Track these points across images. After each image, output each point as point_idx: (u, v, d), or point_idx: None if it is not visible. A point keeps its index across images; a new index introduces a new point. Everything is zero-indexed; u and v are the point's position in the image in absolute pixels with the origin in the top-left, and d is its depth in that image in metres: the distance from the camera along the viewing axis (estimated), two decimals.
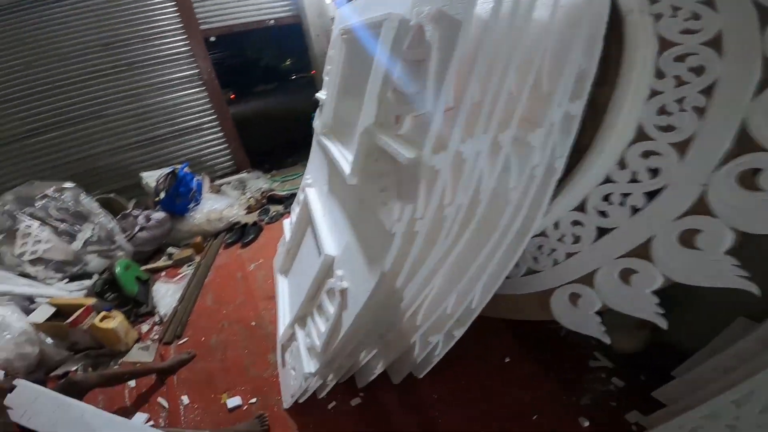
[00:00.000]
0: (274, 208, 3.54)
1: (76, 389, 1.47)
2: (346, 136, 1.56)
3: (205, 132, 4.16)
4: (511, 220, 1.15)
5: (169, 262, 2.92)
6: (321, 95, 1.93)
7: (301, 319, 1.67)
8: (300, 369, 1.53)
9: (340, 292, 1.28)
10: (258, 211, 3.54)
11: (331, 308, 1.36)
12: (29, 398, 1.28)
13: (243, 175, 4.20)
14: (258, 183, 4.06)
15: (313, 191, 1.90)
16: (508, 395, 1.52)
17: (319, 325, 1.44)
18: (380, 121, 1.14)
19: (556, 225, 1.26)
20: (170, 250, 3.08)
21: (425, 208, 0.95)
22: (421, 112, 0.89)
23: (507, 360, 1.65)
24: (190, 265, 2.88)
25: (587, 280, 1.19)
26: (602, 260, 1.15)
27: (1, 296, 2.00)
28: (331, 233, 1.50)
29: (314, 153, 2.11)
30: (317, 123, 1.96)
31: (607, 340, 1.17)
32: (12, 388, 1.30)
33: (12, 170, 3.53)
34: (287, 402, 1.64)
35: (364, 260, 1.18)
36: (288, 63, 7.93)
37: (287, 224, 2.31)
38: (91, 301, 2.10)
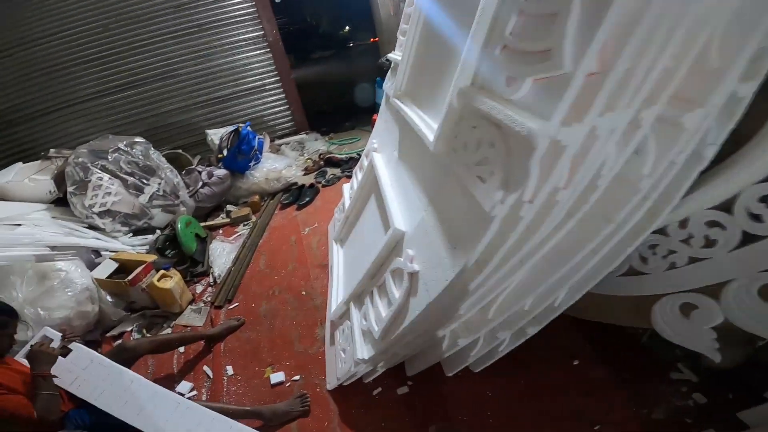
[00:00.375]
0: (332, 171, 3.37)
1: (127, 355, 1.46)
2: (425, 100, 1.35)
3: (268, 93, 4.14)
4: (632, 212, 0.93)
5: (227, 220, 2.91)
6: (394, 55, 1.73)
7: (357, 297, 1.49)
8: (351, 352, 1.41)
9: (410, 275, 1.11)
10: (315, 173, 3.40)
11: (396, 291, 1.19)
12: (82, 364, 1.29)
13: (302, 136, 4.08)
14: (316, 145, 3.92)
15: (380, 157, 1.70)
16: (570, 400, 1.35)
17: (380, 309, 1.28)
18: (481, 83, 0.91)
19: (683, 223, 1.05)
20: (229, 207, 3.07)
21: (537, 190, 0.75)
22: (554, 74, 0.68)
23: (575, 362, 1.45)
24: (246, 225, 2.84)
25: (712, 291, 1.03)
26: (741, 272, 0.97)
27: (68, 250, 2.06)
28: (401, 205, 1.32)
29: (383, 116, 1.91)
30: (388, 85, 1.77)
31: (717, 358, 1.07)
32: (67, 353, 1.30)
33: (90, 125, 3.79)
34: (331, 384, 1.55)
35: (443, 243, 1.00)
36: (346, 30, 7.88)
37: (347, 189, 2.10)
38: (152, 258, 2.09)
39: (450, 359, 1.43)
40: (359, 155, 3.47)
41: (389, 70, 1.78)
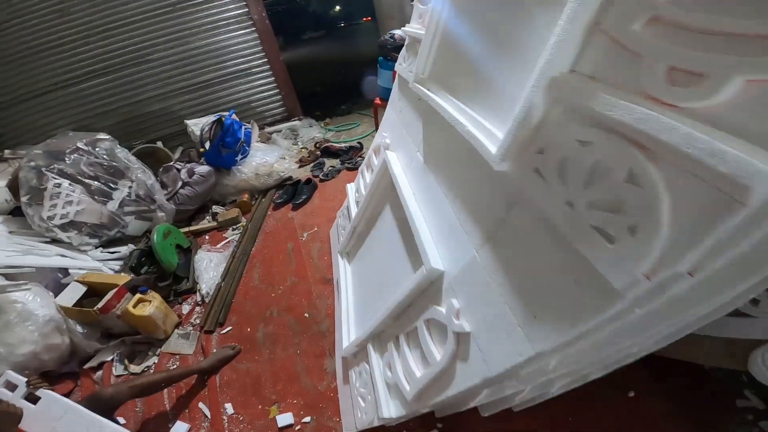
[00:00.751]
0: (330, 163, 3.03)
1: (105, 406, 1.25)
2: (465, 88, 0.97)
3: (255, 76, 3.74)
4: None
5: (213, 224, 2.57)
6: (411, 29, 1.36)
7: (376, 337, 1.20)
8: (374, 403, 1.14)
9: (456, 335, 0.80)
10: (311, 165, 3.05)
11: (435, 350, 0.88)
12: (56, 413, 1.15)
13: (294, 122, 3.70)
14: (311, 132, 3.56)
15: (395, 157, 1.38)
16: None
17: (411, 364, 0.99)
18: (594, 69, 0.54)
19: None
20: (215, 209, 2.73)
21: (711, 257, 0.41)
22: None
23: (631, 394, 1.23)
24: (235, 229, 2.51)
25: None
26: None
27: (27, 270, 1.73)
28: (435, 233, 0.99)
29: (395, 104, 1.54)
30: (403, 66, 1.40)
31: None
32: (36, 400, 1.16)
33: (58, 118, 3.42)
34: (349, 430, 1.29)
35: (514, 305, 0.68)
36: (337, 10, 7.46)
37: (351, 191, 1.78)
38: (124, 279, 1.77)
39: (490, 402, 1.16)
40: (360, 144, 3.13)
41: (404, 48, 1.41)
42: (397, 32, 2.55)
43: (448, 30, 1.05)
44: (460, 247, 0.86)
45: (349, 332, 1.38)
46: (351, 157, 2.98)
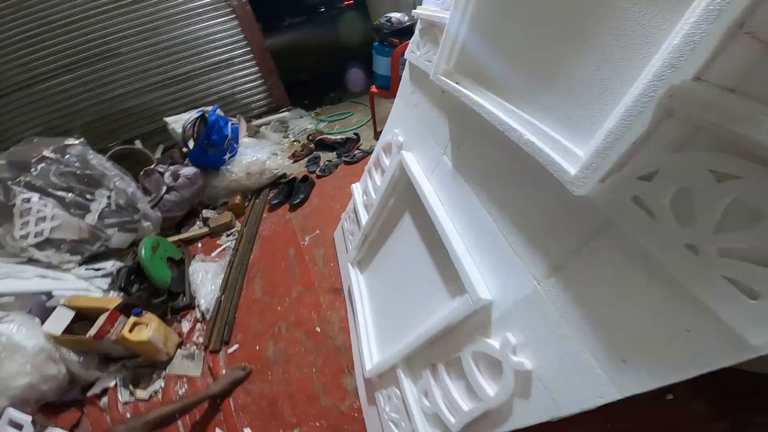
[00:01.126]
0: (326, 157, 2.85)
1: None
2: (512, 88, 0.79)
3: (238, 66, 3.50)
4: None
5: (205, 230, 2.40)
6: (425, 12, 1.13)
7: (406, 362, 1.07)
8: (409, 430, 1.03)
9: (515, 373, 0.69)
10: (306, 159, 2.87)
11: (486, 386, 0.77)
12: None
13: (283, 114, 3.49)
14: (301, 123, 3.37)
15: (413, 159, 1.21)
16: None
17: (454, 395, 0.87)
18: (752, 85, 0.39)
19: None
20: (205, 213, 2.54)
21: None
22: None
23: (669, 397, 1.17)
24: (230, 234, 2.34)
25: None
26: None
27: (7, 298, 1.55)
28: (477, 255, 0.85)
29: (406, 98, 1.36)
30: (417, 55, 1.21)
31: None
32: None
33: (16, 123, 3.13)
34: None
35: (595, 346, 0.58)
36: None
37: (357, 192, 1.63)
38: (116, 302, 1.60)
39: None
40: (357, 135, 2.96)
41: (416, 33, 1.24)
42: (395, 15, 2.37)
43: (483, 12, 0.89)
44: (512, 274, 0.73)
45: (370, 352, 1.26)
46: (348, 150, 2.81)
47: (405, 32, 2.38)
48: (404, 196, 1.23)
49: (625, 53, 0.52)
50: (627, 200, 0.49)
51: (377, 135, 3.01)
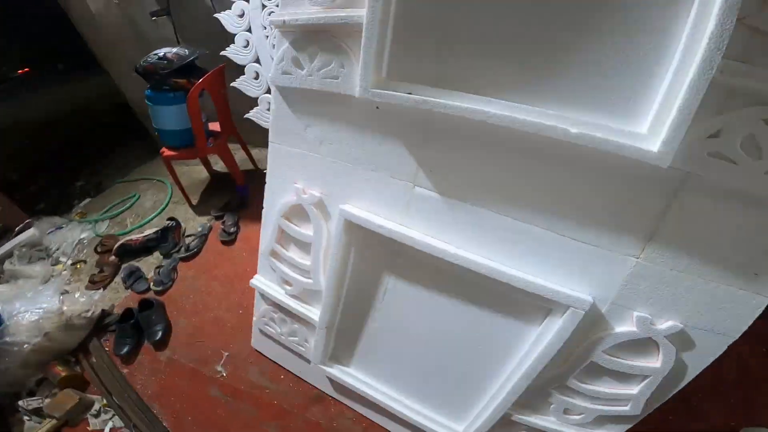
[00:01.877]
0: (146, 264, 2.10)
1: None
2: (496, 82, 0.74)
3: None
4: None
5: (52, 422, 1.45)
6: (304, 14, 0.87)
7: (520, 405, 1.01)
8: None
9: (668, 338, 0.78)
10: (120, 279, 2.01)
11: (641, 363, 0.84)
12: None
13: (27, 234, 2.27)
14: (67, 236, 2.39)
15: (364, 209, 1.01)
16: None
17: (605, 390, 0.92)
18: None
19: None
20: (27, 404, 1.51)
21: None
22: None
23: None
24: (97, 415, 1.46)
25: None
26: None
27: None
28: (533, 268, 0.85)
29: (305, 138, 1.05)
30: (301, 76, 0.94)
31: None
32: None
33: None
34: None
35: (721, 277, 0.72)
36: None
37: (268, 286, 1.34)
38: None
39: None
40: (173, 219, 2.27)
41: (289, 47, 0.91)
42: (168, 50, 1.90)
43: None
44: (596, 264, 0.78)
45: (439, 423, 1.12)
46: (175, 243, 2.16)
47: (188, 70, 1.95)
48: (372, 259, 1.06)
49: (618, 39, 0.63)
50: (705, 156, 0.62)
51: (198, 209, 2.44)
